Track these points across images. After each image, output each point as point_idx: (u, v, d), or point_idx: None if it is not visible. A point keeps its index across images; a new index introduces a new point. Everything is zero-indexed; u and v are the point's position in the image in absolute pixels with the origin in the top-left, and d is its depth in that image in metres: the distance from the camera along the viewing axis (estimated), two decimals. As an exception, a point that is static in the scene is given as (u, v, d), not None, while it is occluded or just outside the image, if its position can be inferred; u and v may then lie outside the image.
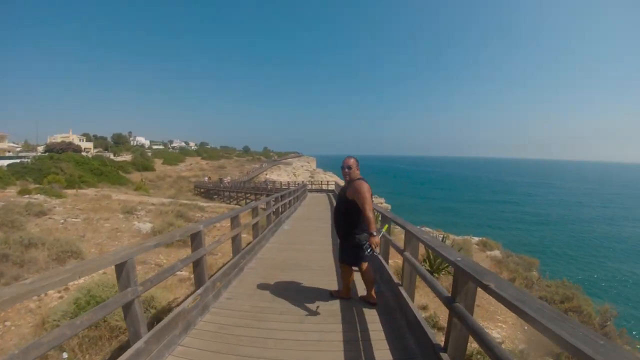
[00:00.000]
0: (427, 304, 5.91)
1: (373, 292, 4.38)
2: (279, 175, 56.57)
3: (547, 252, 29.18)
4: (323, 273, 5.76)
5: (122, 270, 2.75)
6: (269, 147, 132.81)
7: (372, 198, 4.03)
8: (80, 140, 74.30)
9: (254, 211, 7.26)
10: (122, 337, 4.22)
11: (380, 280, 5.27)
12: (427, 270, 7.49)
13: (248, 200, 31.63)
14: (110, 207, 14.79)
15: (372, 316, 3.99)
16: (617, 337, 8.42)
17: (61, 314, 4.67)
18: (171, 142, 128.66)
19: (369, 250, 3.84)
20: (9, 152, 55.89)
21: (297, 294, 4.67)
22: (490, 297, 2.05)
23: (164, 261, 8.21)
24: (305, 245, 8.05)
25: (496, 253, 13.70)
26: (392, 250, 5.46)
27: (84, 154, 52.38)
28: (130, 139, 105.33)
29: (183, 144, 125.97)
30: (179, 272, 6.02)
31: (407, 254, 4.06)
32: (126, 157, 65.68)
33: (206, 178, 48.06)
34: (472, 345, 3.55)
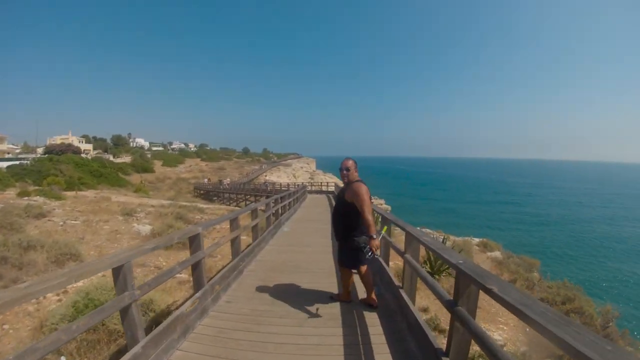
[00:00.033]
0: (428, 306, 5.88)
1: (373, 295, 4.35)
2: (279, 176, 56.58)
3: (547, 253, 29.16)
4: (323, 275, 5.72)
5: (119, 273, 2.72)
6: (268, 149, 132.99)
7: (370, 200, 4.01)
8: (79, 142, 74.26)
9: (254, 213, 7.22)
10: (121, 340, 4.19)
11: (380, 282, 5.23)
12: (428, 272, 7.46)
13: (248, 202, 31.60)
14: (110, 209, 14.76)
15: (372, 319, 3.94)
16: (620, 339, 8.38)
17: (59, 317, 4.66)
18: (171, 143, 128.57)
19: (369, 254, 3.81)
20: (8, 153, 55.90)
21: (297, 297, 4.63)
22: (492, 299, 2.02)
23: (164, 264, 8.18)
24: (305, 247, 8.02)
25: (497, 254, 13.67)
26: (392, 252, 5.43)
27: (83, 155, 52.30)
28: (130, 140, 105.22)
29: (183, 145, 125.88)
30: (178, 275, 5.98)
31: (407, 256, 4.03)
32: (126, 158, 65.67)
33: (206, 180, 48.09)
34: (474, 347, 3.51)
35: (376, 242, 3.82)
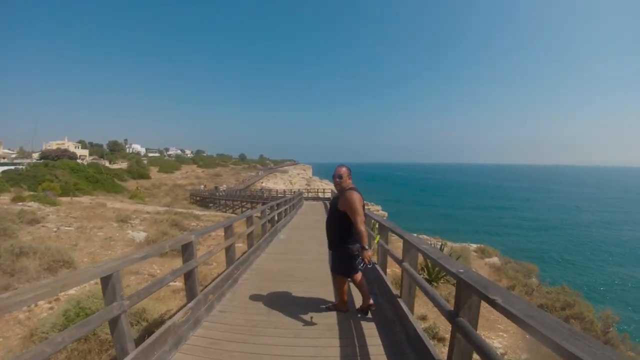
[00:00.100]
0: (426, 313, 5.79)
1: (370, 300, 4.29)
2: (275, 183, 56.50)
3: (545, 258, 29.18)
4: (320, 284, 5.60)
5: (108, 283, 2.64)
6: (265, 155, 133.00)
7: (363, 209, 3.94)
8: (75, 148, 74.03)
9: (249, 220, 7.11)
10: (112, 351, 4.08)
11: (378, 291, 5.13)
12: (425, 278, 7.37)
13: (244, 209, 31.51)
14: (105, 216, 14.60)
15: (370, 330, 3.84)
16: (620, 344, 8.33)
17: (50, 326, 4.61)
18: (167, 149, 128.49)
19: (361, 265, 3.83)
20: (3, 158, 55.66)
21: (293, 307, 4.51)
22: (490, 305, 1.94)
23: (158, 271, 8.06)
24: (302, 255, 7.90)
25: (495, 260, 13.62)
26: (389, 259, 5.34)
27: (79, 161, 52.14)
28: (126, 146, 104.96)
29: (179, 151, 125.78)
30: (172, 283, 5.88)
31: (406, 264, 3.94)
32: (122, 164, 65.45)
33: (202, 186, 47.97)
34: (475, 356, 3.43)
35: (368, 253, 3.80)
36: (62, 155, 52.87)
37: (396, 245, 8.05)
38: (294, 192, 30.37)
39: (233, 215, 24.12)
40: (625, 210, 61.53)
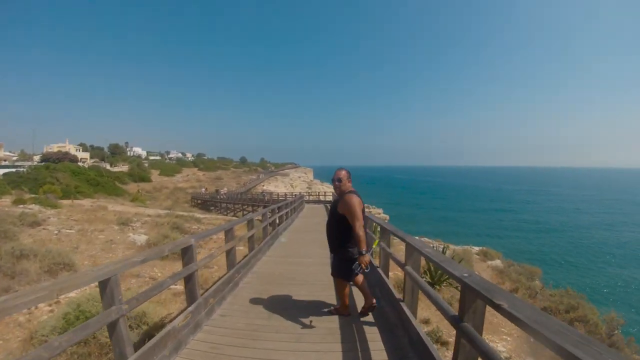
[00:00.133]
0: (429, 317, 5.73)
1: (373, 300, 4.28)
2: (276, 186, 56.42)
3: (547, 260, 29.09)
4: (321, 287, 5.55)
5: (106, 287, 2.61)
6: (266, 158, 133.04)
7: (363, 212, 3.93)
8: (76, 150, 74.09)
9: (250, 223, 7.08)
10: (112, 354, 4.05)
11: (380, 295, 5.09)
12: (428, 282, 7.31)
13: (245, 212, 31.45)
14: (106, 218, 14.59)
15: (372, 334, 3.80)
16: (625, 347, 8.26)
17: (50, 329, 4.58)
18: (168, 152, 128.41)
19: (358, 269, 3.83)
20: (5, 161, 55.73)
21: (294, 310, 4.47)
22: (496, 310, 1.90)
23: (159, 274, 8.03)
24: (303, 259, 7.86)
25: (497, 263, 13.54)
26: (391, 262, 5.29)
27: (80, 164, 52.23)
28: (127, 149, 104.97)
29: (180, 154, 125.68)
30: (173, 286, 5.84)
31: (408, 268, 3.90)
32: (123, 167, 65.50)
33: (203, 189, 47.94)
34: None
35: (366, 258, 3.78)
36: (63, 158, 52.97)
37: (398, 249, 8.00)
38: (295, 195, 30.31)
39: (234, 218, 24.09)
40: (625, 212, 61.49)
